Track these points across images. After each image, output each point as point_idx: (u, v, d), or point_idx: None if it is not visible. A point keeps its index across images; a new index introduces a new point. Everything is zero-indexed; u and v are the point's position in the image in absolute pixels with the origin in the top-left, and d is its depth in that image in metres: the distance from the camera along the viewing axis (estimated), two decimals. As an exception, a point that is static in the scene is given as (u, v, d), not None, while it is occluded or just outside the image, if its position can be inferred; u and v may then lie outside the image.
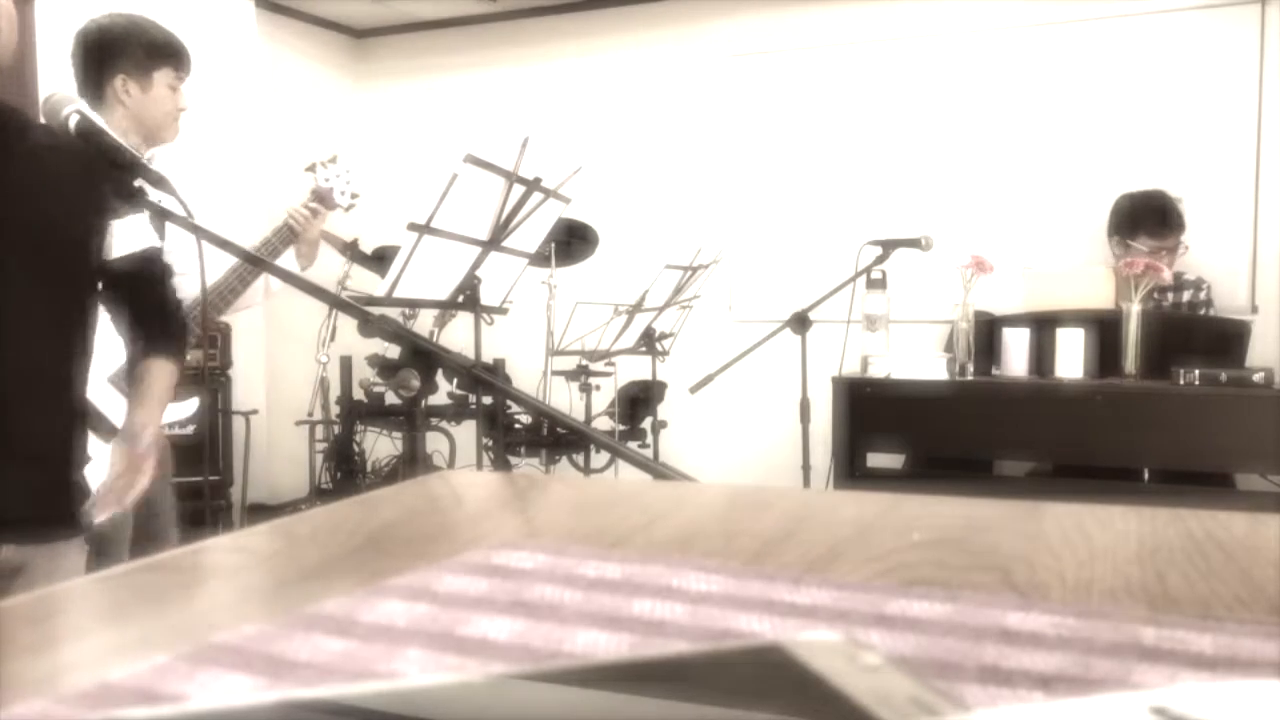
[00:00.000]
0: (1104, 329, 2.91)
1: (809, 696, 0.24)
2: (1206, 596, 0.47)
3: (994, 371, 3.04)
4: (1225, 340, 3.07)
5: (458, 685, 0.29)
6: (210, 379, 3.77)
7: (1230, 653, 0.38)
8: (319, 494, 3.91)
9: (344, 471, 3.90)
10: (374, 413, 3.91)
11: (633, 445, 3.45)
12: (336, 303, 1.46)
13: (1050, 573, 0.50)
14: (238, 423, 4.07)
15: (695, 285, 3.92)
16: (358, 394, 3.91)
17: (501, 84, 5.26)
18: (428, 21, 5.43)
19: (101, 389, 1.80)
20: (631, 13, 5.02)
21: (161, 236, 1.70)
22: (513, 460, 3.88)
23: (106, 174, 1.43)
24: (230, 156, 4.45)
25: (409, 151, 5.40)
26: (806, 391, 3.11)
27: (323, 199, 2.45)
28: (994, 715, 0.29)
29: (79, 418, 1.54)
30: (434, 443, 4.09)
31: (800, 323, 3.09)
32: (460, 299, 2.72)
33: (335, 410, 3.99)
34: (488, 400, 3.31)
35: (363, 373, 3.84)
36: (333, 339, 3.73)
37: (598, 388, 4.07)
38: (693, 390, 3.19)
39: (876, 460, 3.15)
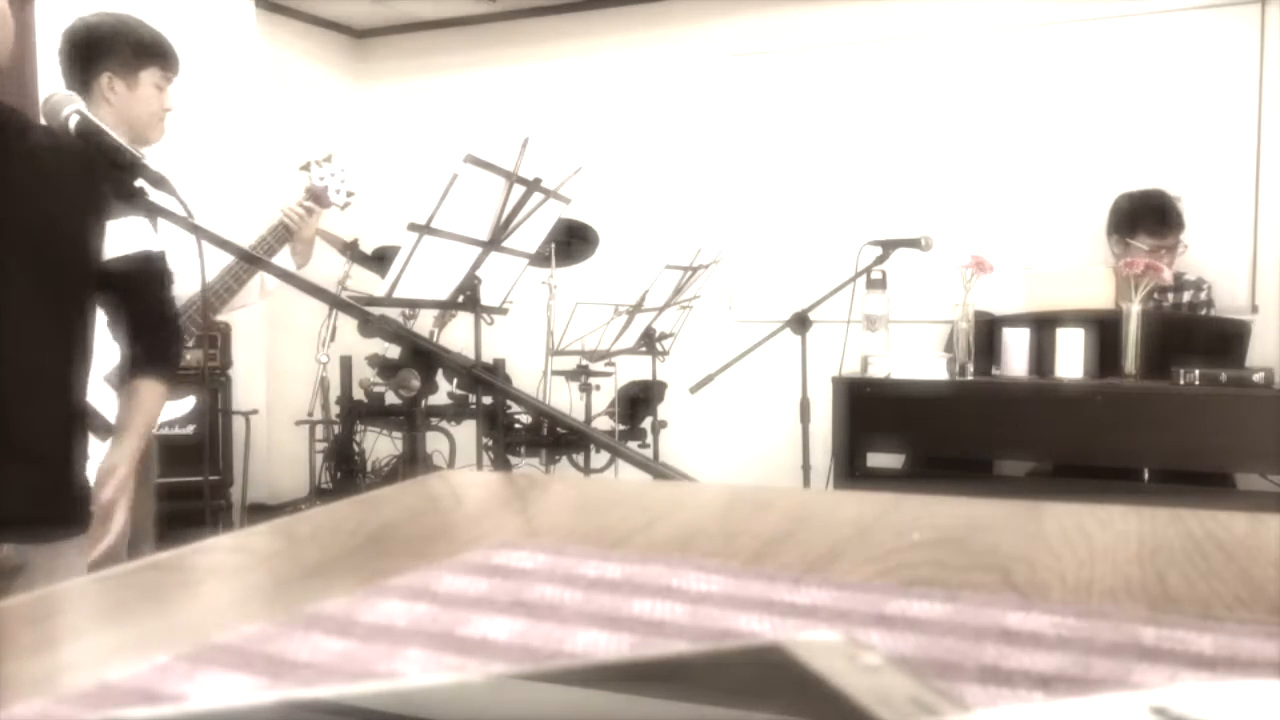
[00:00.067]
0: (1104, 329, 2.91)
1: (809, 696, 0.24)
2: (1206, 596, 0.47)
3: (994, 371, 3.04)
4: (1225, 340, 3.07)
5: (458, 685, 0.29)
6: (210, 379, 3.77)
7: (1230, 653, 0.38)
8: (319, 494, 3.91)
9: (344, 471, 3.90)
10: (374, 413, 3.91)
11: (633, 445, 3.45)
12: (336, 303, 1.46)
13: (1050, 573, 0.50)
14: (238, 423, 4.07)
15: (695, 285, 3.92)
16: (358, 394, 3.91)
17: (501, 84, 5.26)
18: (428, 21, 5.43)
19: (98, 387, 1.80)
20: (631, 13, 5.03)
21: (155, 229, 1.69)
22: (513, 460, 3.88)
23: (106, 174, 1.43)
24: (230, 156, 4.45)
25: (409, 151, 5.40)
26: (806, 391, 3.11)
27: (317, 198, 2.46)
28: (994, 715, 0.29)
29: (79, 418, 1.54)
30: (434, 443, 4.09)
31: (800, 323, 3.09)
32: (460, 299, 2.72)
33: (335, 410, 3.99)
34: (488, 400, 3.30)
35: (363, 373, 3.84)
36: (333, 339, 3.73)
37: (598, 388, 4.07)
38: (693, 390, 3.19)
39: (876, 460, 3.15)
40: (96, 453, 1.61)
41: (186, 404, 2.65)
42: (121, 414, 1.61)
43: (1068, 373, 2.89)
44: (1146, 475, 2.91)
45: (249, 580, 0.54)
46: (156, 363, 1.65)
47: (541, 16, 5.19)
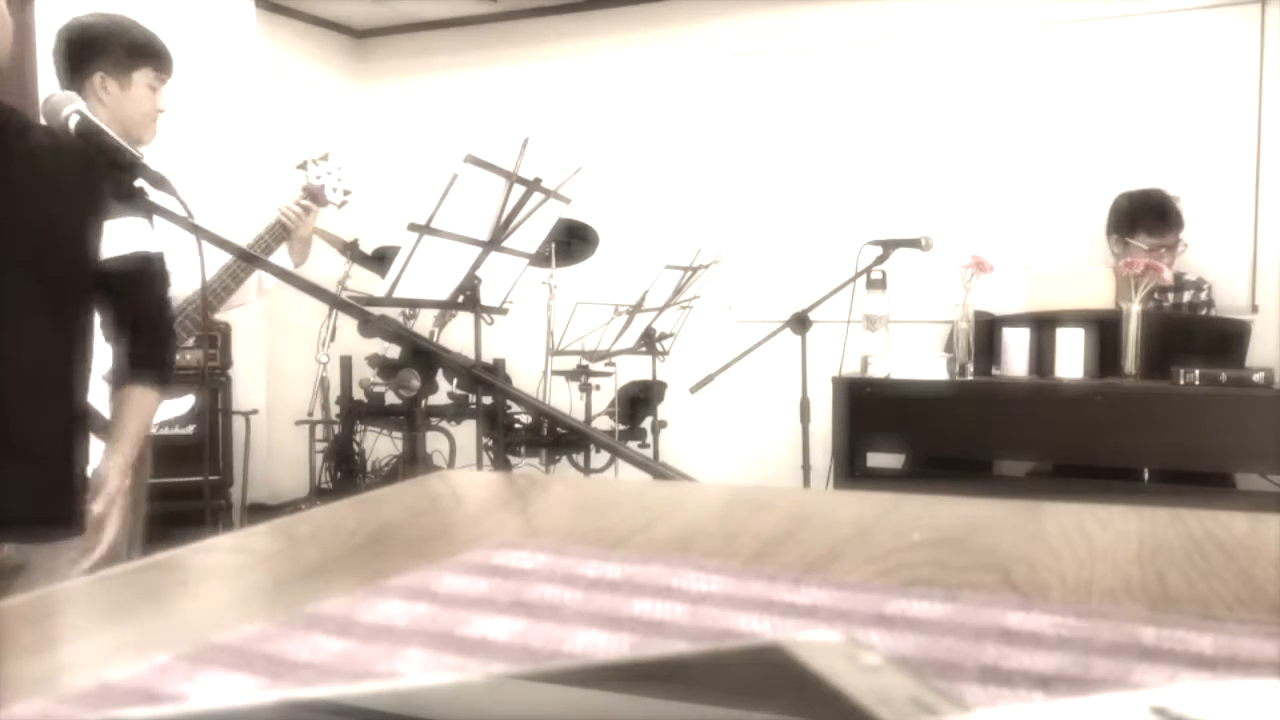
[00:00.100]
0: (1104, 329, 2.91)
1: (809, 696, 0.24)
2: (1206, 596, 0.47)
3: (994, 371, 3.03)
4: (1225, 340, 3.07)
5: (458, 685, 0.29)
6: (210, 379, 3.77)
7: (1230, 653, 0.38)
8: (319, 494, 3.91)
9: (344, 471, 3.90)
10: (374, 413, 3.91)
11: (633, 445, 3.45)
12: (336, 303, 1.46)
13: (1050, 573, 0.50)
14: (238, 423, 4.07)
15: (695, 285, 3.92)
16: (358, 394, 3.91)
17: (501, 84, 5.26)
18: (428, 21, 5.43)
19: (98, 387, 1.80)
20: (631, 13, 5.03)
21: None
22: (513, 460, 3.88)
23: (106, 174, 1.43)
24: (230, 156, 4.45)
25: (409, 151, 5.40)
26: (806, 391, 3.11)
27: (314, 196, 2.47)
28: (994, 715, 0.29)
29: (79, 417, 1.54)
30: (434, 443, 4.09)
31: (800, 323, 3.09)
32: (460, 299, 2.72)
33: (335, 410, 3.99)
34: (488, 400, 3.30)
35: (363, 373, 3.84)
36: (333, 339, 3.73)
37: (598, 388, 4.07)
38: (693, 390, 3.19)
39: (876, 460, 3.15)
40: (97, 452, 1.61)
41: (185, 403, 2.65)
42: (113, 421, 1.59)
43: (1068, 373, 2.89)
44: (1146, 475, 2.91)
45: (249, 580, 0.54)
46: (149, 366, 1.63)
47: (541, 16, 5.19)
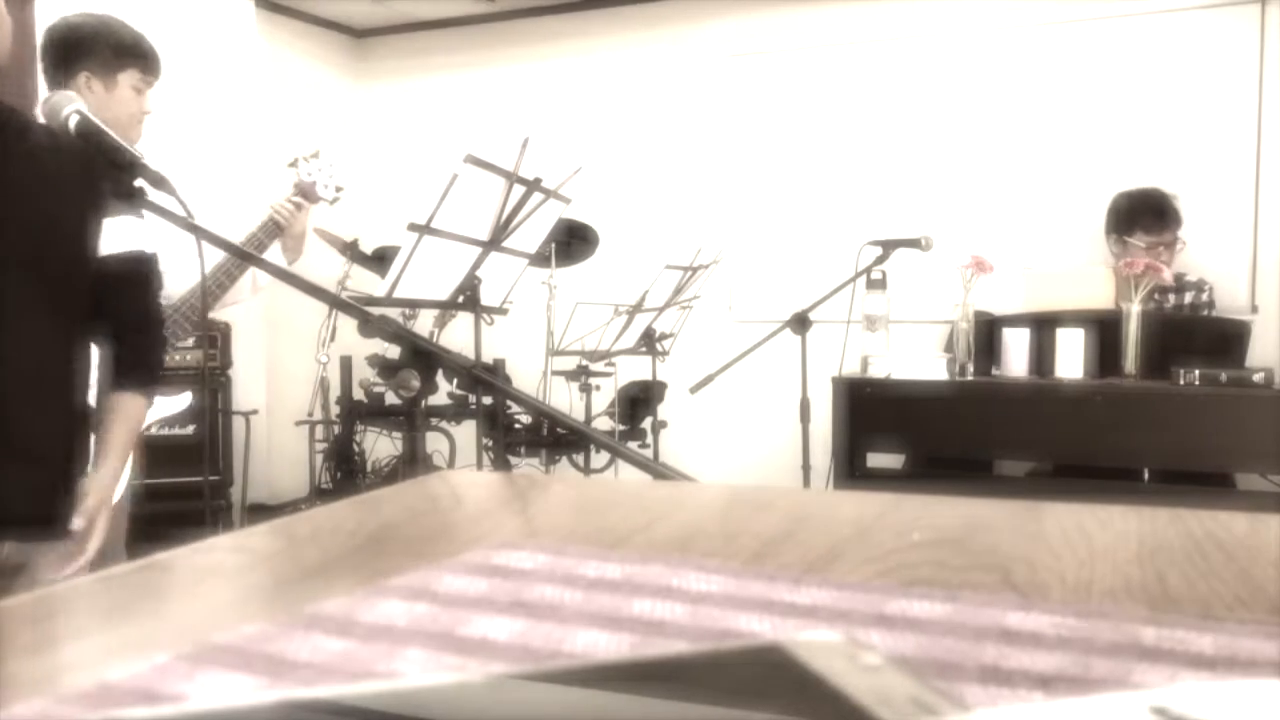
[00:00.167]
0: (1104, 329, 2.91)
1: (809, 696, 0.24)
2: (1206, 596, 0.47)
3: (994, 371, 3.03)
4: (1225, 340, 3.07)
5: (458, 685, 0.29)
6: (210, 379, 3.77)
7: (1230, 653, 0.38)
8: (319, 494, 3.91)
9: (344, 471, 3.90)
10: (374, 413, 3.91)
11: (633, 445, 3.45)
12: (336, 303, 1.46)
13: (1050, 573, 0.50)
14: (238, 423, 4.06)
15: (695, 285, 3.92)
16: (358, 394, 3.91)
17: (501, 84, 5.26)
18: (428, 21, 5.43)
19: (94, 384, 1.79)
20: (631, 13, 5.03)
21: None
22: (513, 460, 3.88)
23: (106, 174, 1.43)
24: (230, 156, 4.45)
25: (409, 151, 5.40)
26: (806, 391, 3.11)
27: (306, 193, 2.47)
28: (994, 715, 0.29)
29: (79, 417, 1.54)
30: (434, 443, 4.09)
31: (800, 323, 3.09)
32: (460, 299, 2.72)
33: (335, 410, 3.99)
34: (488, 400, 3.30)
35: (363, 373, 3.84)
36: (333, 339, 3.73)
37: (598, 388, 4.07)
38: (693, 390, 3.19)
39: (876, 460, 3.15)
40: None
41: (182, 400, 2.65)
42: (102, 430, 1.57)
43: (1068, 373, 2.88)
44: (1146, 475, 2.91)
45: (249, 580, 0.54)
46: (138, 369, 1.61)
47: (541, 16, 5.19)
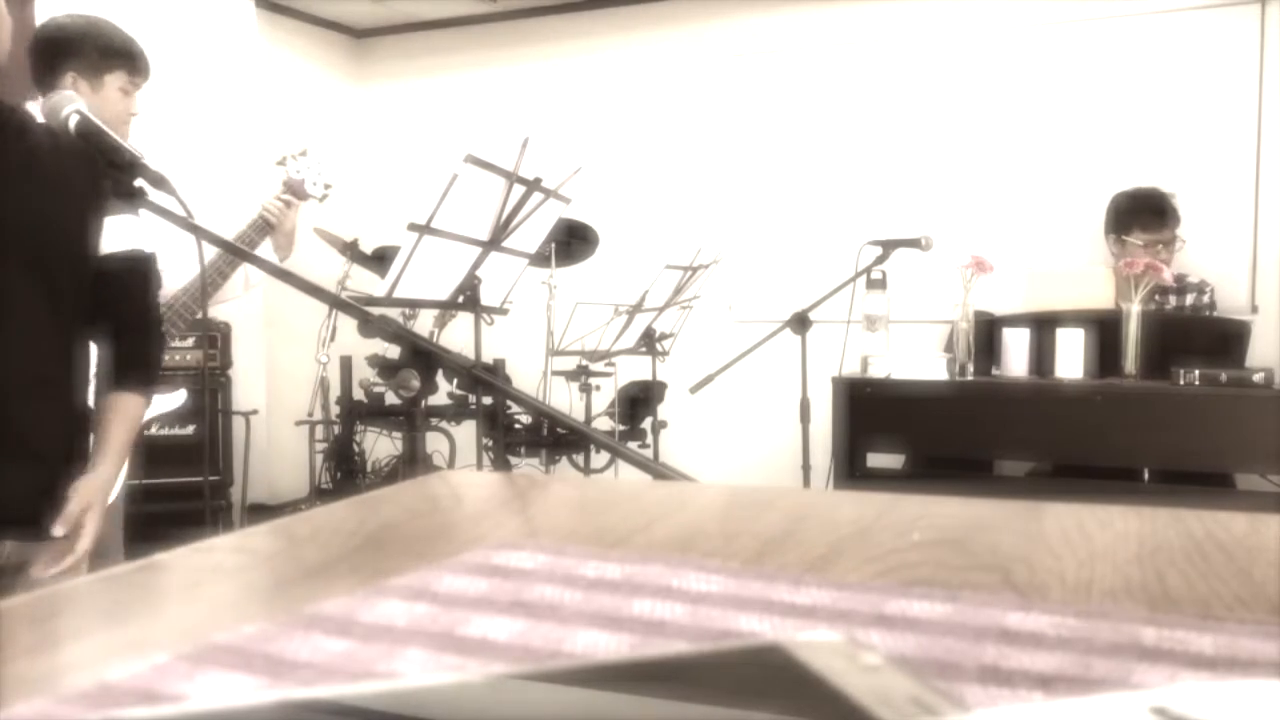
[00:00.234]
0: (1104, 329, 2.91)
1: (809, 696, 0.24)
2: (1206, 596, 0.47)
3: (994, 371, 3.03)
4: (1225, 340, 3.07)
5: (458, 685, 0.29)
6: (210, 379, 3.77)
7: (1230, 653, 0.38)
8: (319, 494, 3.91)
9: (344, 471, 3.90)
10: (374, 413, 3.91)
11: (633, 445, 3.45)
12: (336, 303, 1.46)
13: (1050, 573, 0.50)
14: (238, 423, 4.07)
15: (695, 285, 3.92)
16: (358, 394, 3.91)
17: (501, 84, 5.26)
18: (428, 21, 5.43)
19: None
20: (631, 13, 5.03)
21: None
22: (513, 460, 3.88)
23: (106, 173, 1.43)
24: (230, 155, 4.45)
25: (409, 151, 5.40)
26: (806, 391, 3.11)
27: (294, 190, 2.51)
28: (994, 715, 0.29)
29: (79, 415, 1.54)
30: (434, 443, 4.09)
31: (800, 323, 3.09)
32: (460, 299, 2.72)
33: (335, 410, 3.99)
34: (488, 400, 3.30)
35: (363, 373, 3.84)
36: (333, 339, 3.73)
37: (598, 388, 4.07)
38: (693, 390, 3.19)
39: (876, 460, 3.15)
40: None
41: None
42: (100, 431, 1.56)
43: (1068, 373, 2.88)
44: (1146, 475, 2.91)
45: (249, 580, 0.54)
46: (137, 368, 1.61)
47: (541, 16, 5.19)
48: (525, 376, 3.76)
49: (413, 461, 2.99)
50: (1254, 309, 4.00)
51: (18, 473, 1.42)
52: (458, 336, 3.45)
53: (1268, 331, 3.70)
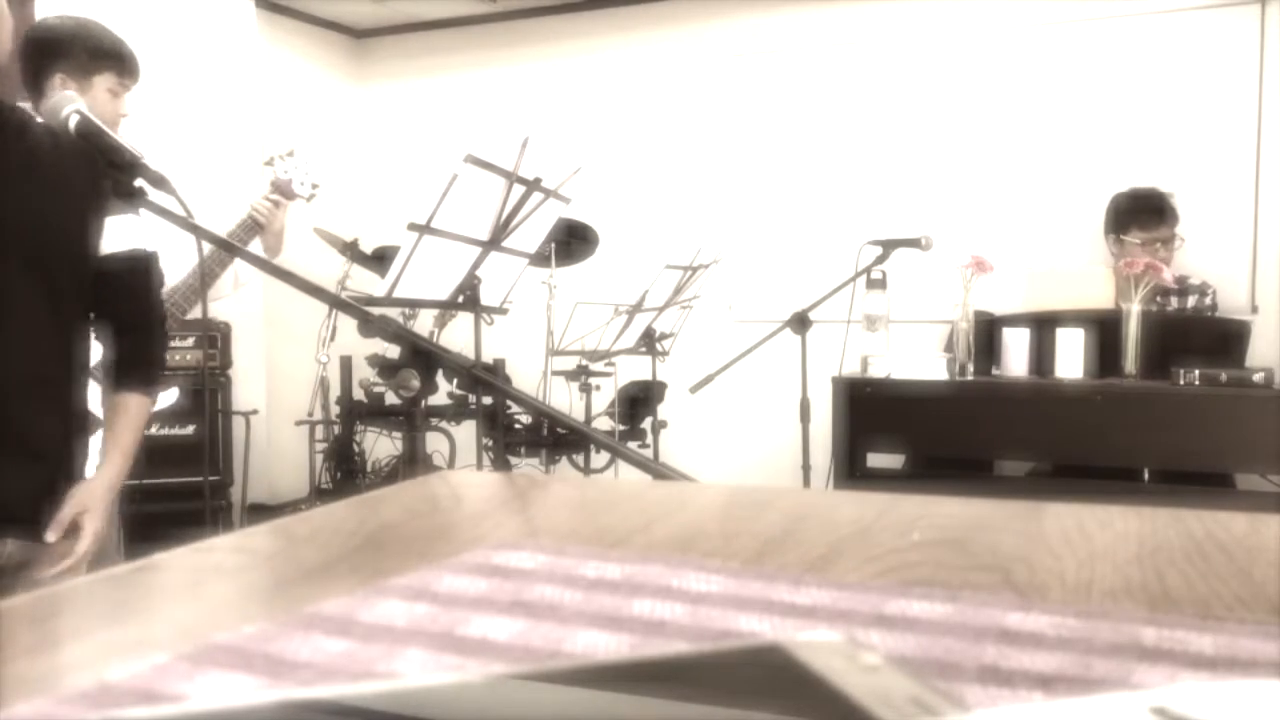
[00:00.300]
0: (1104, 329, 2.91)
1: (809, 696, 0.24)
2: (1206, 596, 0.47)
3: (994, 371, 3.03)
4: (1225, 340, 3.07)
5: (458, 685, 0.29)
6: (210, 379, 3.77)
7: (1230, 653, 0.38)
8: (319, 494, 3.91)
9: (344, 471, 3.90)
10: (374, 413, 3.91)
11: (633, 445, 3.45)
12: (336, 303, 1.46)
13: (1050, 573, 0.50)
14: (238, 423, 4.06)
15: (695, 285, 3.92)
16: (358, 394, 3.91)
17: (501, 84, 5.26)
18: (428, 21, 5.43)
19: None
20: (631, 13, 5.03)
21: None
22: (513, 460, 3.88)
23: (106, 173, 1.43)
24: (230, 155, 4.45)
25: (409, 151, 5.40)
26: (806, 391, 3.11)
27: (283, 190, 2.54)
28: (994, 715, 0.29)
29: (79, 415, 1.54)
30: (434, 443, 4.09)
31: (800, 323, 3.09)
32: (460, 299, 2.72)
33: (335, 410, 3.99)
34: (488, 400, 3.30)
35: (363, 373, 3.84)
36: (333, 339, 3.73)
37: (598, 388, 4.07)
38: (693, 390, 3.19)
39: (876, 460, 3.15)
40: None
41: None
42: (107, 432, 1.57)
43: (1068, 373, 2.88)
44: (1146, 475, 2.91)
45: (249, 580, 0.54)
46: (139, 367, 1.62)
47: (541, 16, 5.19)
48: (525, 376, 3.76)
49: (413, 461, 2.99)
50: (1254, 309, 4.00)
51: (18, 472, 1.42)
52: (458, 336, 3.45)
53: (1268, 331, 3.70)
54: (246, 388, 4.27)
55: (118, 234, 1.55)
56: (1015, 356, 2.97)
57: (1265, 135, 4.04)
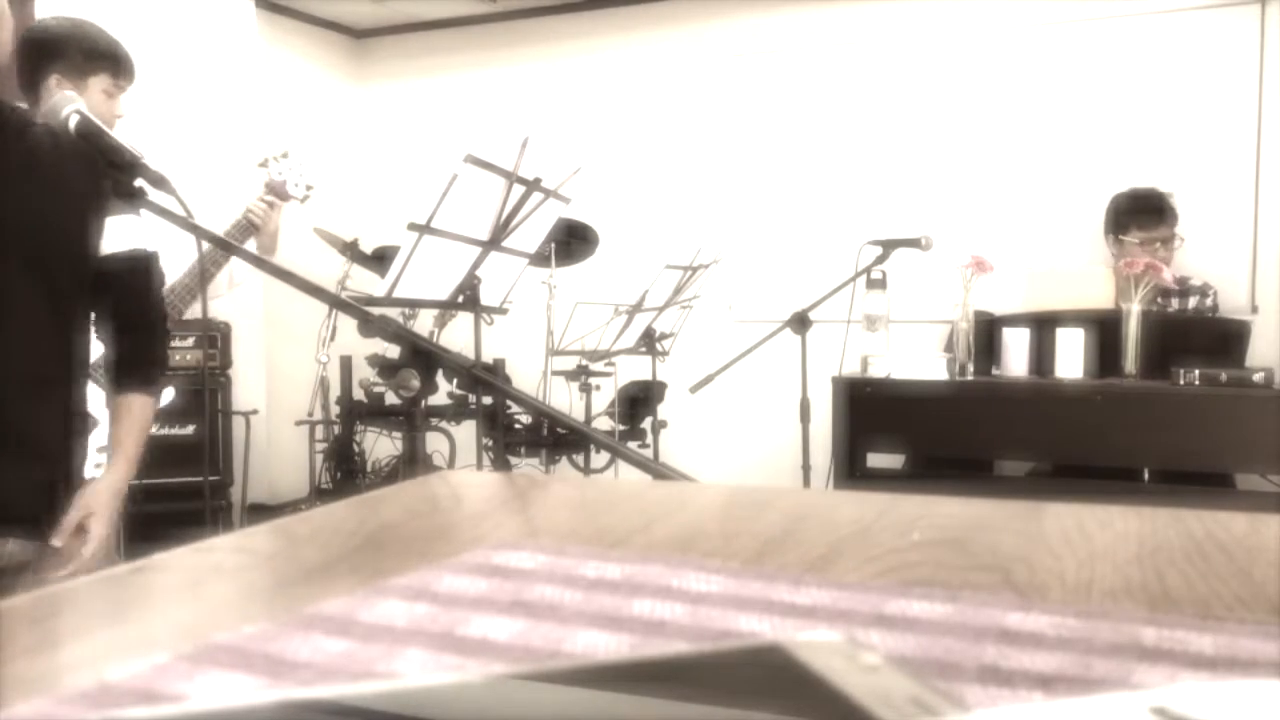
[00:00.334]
0: (1104, 329, 2.91)
1: (809, 696, 0.24)
2: (1206, 596, 0.47)
3: (994, 371, 3.03)
4: (1225, 340, 3.07)
5: (458, 685, 0.29)
6: (210, 379, 3.77)
7: (1230, 653, 0.38)
8: (319, 494, 3.91)
9: (344, 471, 3.90)
10: (374, 413, 3.91)
11: (633, 445, 3.45)
12: (336, 303, 1.46)
13: (1050, 573, 0.50)
14: (238, 423, 4.06)
15: (695, 285, 3.92)
16: (358, 394, 3.91)
17: (501, 84, 5.26)
18: (428, 21, 5.43)
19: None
20: (631, 13, 5.03)
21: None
22: (513, 460, 3.88)
23: (106, 173, 1.43)
24: (230, 155, 4.45)
25: (409, 151, 5.40)
26: (806, 391, 3.11)
27: (277, 192, 2.57)
28: (994, 715, 0.29)
29: (78, 414, 1.54)
30: (434, 443, 4.09)
31: (800, 323, 3.09)
32: (460, 299, 2.72)
33: (335, 410, 3.99)
34: (488, 400, 3.30)
35: (363, 373, 3.84)
36: (333, 339, 3.73)
37: (598, 388, 4.07)
38: (693, 390, 3.19)
39: (876, 460, 3.15)
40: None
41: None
42: (113, 433, 1.58)
43: (1068, 373, 2.88)
44: (1146, 475, 2.91)
45: (249, 580, 0.54)
46: (141, 367, 1.63)
47: (541, 16, 5.19)
48: (525, 376, 3.76)
49: (413, 461, 2.99)
50: (1254, 309, 4.00)
51: (18, 472, 1.42)
52: (458, 336, 3.45)
53: (1268, 331, 3.70)
54: (246, 388, 4.27)
55: (118, 234, 1.55)
56: (1015, 356, 2.97)
57: (1265, 135, 4.04)
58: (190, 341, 3.60)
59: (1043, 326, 2.97)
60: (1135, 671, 0.36)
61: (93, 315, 1.57)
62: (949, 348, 3.09)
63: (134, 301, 1.61)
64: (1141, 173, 3.88)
